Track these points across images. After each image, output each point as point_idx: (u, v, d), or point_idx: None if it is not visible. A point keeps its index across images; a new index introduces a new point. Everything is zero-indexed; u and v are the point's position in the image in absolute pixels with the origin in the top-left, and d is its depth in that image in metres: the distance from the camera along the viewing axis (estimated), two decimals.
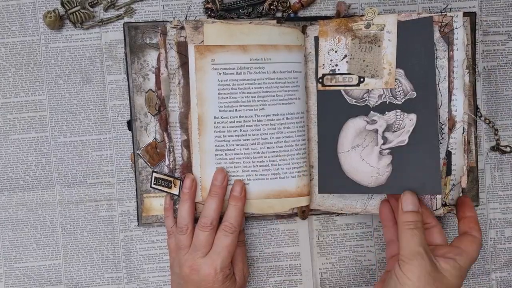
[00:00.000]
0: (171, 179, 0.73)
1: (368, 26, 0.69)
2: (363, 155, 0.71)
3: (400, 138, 0.69)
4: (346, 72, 0.71)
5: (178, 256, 0.70)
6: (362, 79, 0.70)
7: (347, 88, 0.71)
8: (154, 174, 0.74)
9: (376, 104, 0.70)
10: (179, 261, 0.70)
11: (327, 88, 0.72)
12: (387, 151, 0.70)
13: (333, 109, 0.72)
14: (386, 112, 0.70)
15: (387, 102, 0.70)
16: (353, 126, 0.71)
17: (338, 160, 0.72)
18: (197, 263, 0.68)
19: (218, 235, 0.69)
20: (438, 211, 0.68)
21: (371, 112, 0.70)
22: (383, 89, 0.70)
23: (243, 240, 0.74)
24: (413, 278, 0.60)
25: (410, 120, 0.68)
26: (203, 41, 0.69)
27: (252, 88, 0.70)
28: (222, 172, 0.70)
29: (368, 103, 0.70)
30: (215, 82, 0.70)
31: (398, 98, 0.69)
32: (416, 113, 0.68)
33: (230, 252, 0.69)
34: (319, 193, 0.73)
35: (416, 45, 0.68)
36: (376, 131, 0.70)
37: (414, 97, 0.68)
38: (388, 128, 0.70)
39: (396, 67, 0.69)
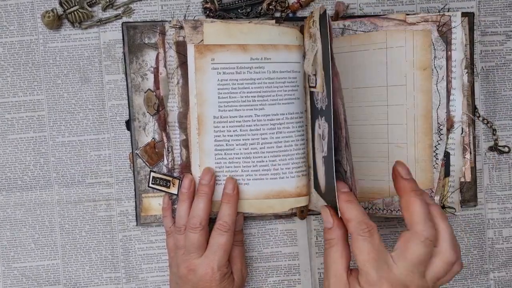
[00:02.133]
0: (170, 178, 0.73)
1: (313, 23, 0.65)
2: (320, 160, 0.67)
3: (324, 147, 0.63)
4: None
5: (176, 256, 0.70)
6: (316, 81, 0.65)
7: (311, 89, 0.69)
8: (152, 174, 0.74)
9: (320, 108, 0.65)
10: (177, 261, 0.70)
11: (311, 88, 0.71)
12: (323, 160, 0.64)
13: (312, 110, 0.70)
14: (320, 118, 0.65)
15: (320, 108, 0.65)
16: (315, 130, 0.67)
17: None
18: (193, 263, 0.68)
19: (213, 234, 0.69)
20: None
21: (319, 116, 0.65)
22: (319, 92, 0.65)
23: (242, 240, 0.74)
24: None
25: (325, 129, 0.63)
26: (202, 40, 0.69)
27: (252, 87, 0.70)
28: (209, 171, 0.70)
29: (318, 106, 0.66)
30: (215, 81, 0.70)
31: (322, 104, 0.64)
32: (327, 122, 0.61)
33: (226, 251, 0.69)
34: (314, 188, 0.74)
35: (323, 42, 0.61)
36: (321, 137, 0.65)
37: (326, 103, 0.61)
38: (323, 135, 0.64)
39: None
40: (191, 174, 0.71)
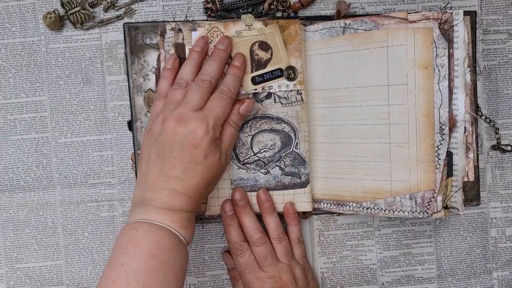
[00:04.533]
0: None
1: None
2: None
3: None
4: None
5: (164, 112, 0.65)
6: None
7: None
8: None
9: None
10: (163, 116, 0.64)
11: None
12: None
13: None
14: None
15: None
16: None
17: None
18: (187, 115, 0.62)
19: (214, 95, 0.65)
20: (438, 214, 0.68)
21: None
22: None
23: (238, 124, 0.69)
24: None
25: None
26: None
27: None
28: (228, 39, 0.69)
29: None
30: None
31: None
32: None
33: (224, 114, 0.65)
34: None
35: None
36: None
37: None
38: None
39: None
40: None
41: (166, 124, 0.63)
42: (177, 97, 0.65)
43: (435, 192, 0.67)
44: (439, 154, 0.67)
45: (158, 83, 0.70)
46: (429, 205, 0.68)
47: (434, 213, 0.68)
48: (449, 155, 0.68)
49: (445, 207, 0.69)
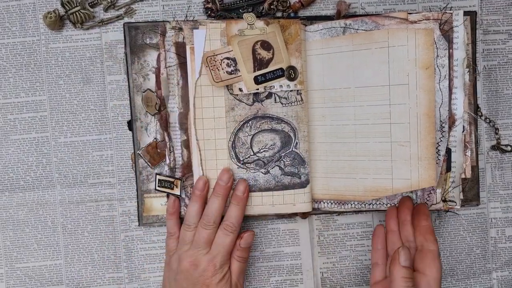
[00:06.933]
0: (173, 180, 0.73)
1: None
2: None
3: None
4: None
5: (179, 252, 0.71)
6: None
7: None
8: (158, 177, 0.74)
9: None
10: (179, 256, 0.70)
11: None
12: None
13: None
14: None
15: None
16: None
17: None
18: (198, 259, 0.69)
19: (218, 233, 0.70)
20: (437, 205, 0.68)
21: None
22: None
23: (245, 257, 0.73)
24: None
25: None
26: None
27: None
28: (228, 172, 0.71)
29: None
30: None
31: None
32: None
33: (228, 251, 0.70)
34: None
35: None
36: None
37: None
38: None
39: None
40: (204, 176, 0.71)
41: (183, 266, 0.69)
42: (188, 238, 0.71)
43: (434, 186, 0.69)
44: (438, 150, 0.68)
45: (167, 222, 0.74)
46: (428, 197, 0.69)
47: (433, 204, 0.69)
48: (448, 152, 0.69)
49: (443, 201, 0.69)
